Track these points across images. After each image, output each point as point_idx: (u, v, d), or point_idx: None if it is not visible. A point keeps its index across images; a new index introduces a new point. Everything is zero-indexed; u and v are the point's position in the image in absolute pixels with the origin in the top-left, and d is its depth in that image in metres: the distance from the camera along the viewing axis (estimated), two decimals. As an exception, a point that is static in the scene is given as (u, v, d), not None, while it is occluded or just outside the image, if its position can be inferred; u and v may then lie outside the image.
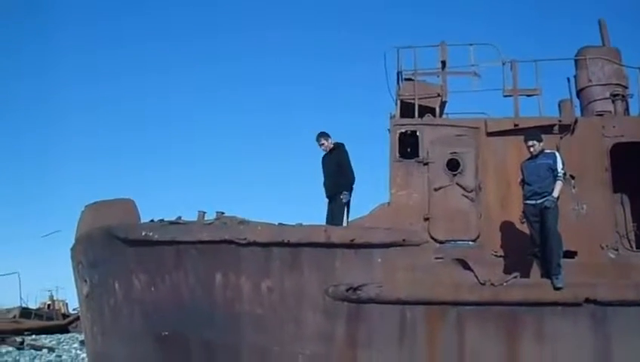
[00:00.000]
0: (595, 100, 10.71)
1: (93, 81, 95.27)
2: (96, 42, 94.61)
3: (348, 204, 10.25)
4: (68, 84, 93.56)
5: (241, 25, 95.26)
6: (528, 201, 8.85)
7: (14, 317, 36.78)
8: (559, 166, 8.75)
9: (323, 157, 10.61)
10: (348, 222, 10.19)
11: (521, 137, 9.32)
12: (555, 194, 8.66)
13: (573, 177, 9.39)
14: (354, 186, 10.39)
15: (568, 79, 11.03)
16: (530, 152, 9.00)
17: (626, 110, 10.63)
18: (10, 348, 18.61)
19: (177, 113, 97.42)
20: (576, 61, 11.01)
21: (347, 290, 8.90)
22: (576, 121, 9.77)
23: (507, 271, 9.09)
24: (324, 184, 10.49)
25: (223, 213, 9.89)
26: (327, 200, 10.46)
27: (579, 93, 11.01)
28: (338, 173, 10.27)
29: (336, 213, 10.21)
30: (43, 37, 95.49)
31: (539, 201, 8.72)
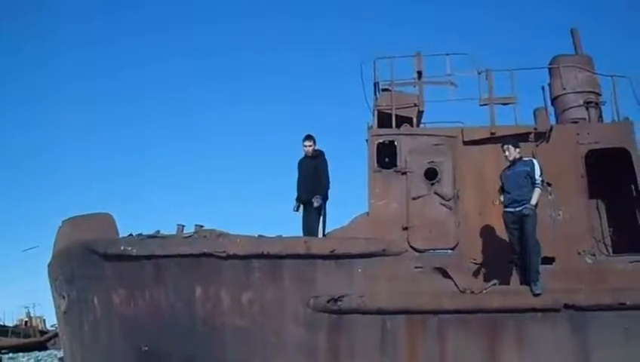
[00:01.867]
0: (570, 108, 10.82)
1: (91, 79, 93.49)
2: (92, 39, 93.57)
3: (320, 208, 10.26)
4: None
5: (239, 17, 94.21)
6: (507, 209, 8.93)
7: (-9, 334, 36.25)
8: (537, 173, 8.83)
9: (301, 160, 10.62)
10: (325, 230, 10.23)
11: (498, 145, 9.42)
12: (533, 201, 8.74)
13: (549, 184, 9.50)
14: (329, 195, 10.43)
15: (543, 88, 11.17)
16: (505, 157, 9.09)
17: (600, 117, 10.79)
18: (-13, 367, 18.30)
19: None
20: (550, 70, 11.14)
21: (328, 301, 8.90)
22: (551, 129, 9.90)
23: (486, 278, 9.17)
24: (298, 187, 10.52)
25: (201, 226, 9.83)
26: (295, 203, 10.46)
27: (553, 101, 11.14)
28: (314, 180, 10.28)
29: (311, 219, 10.24)
30: (40, 34, 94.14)
31: (517, 209, 8.80)
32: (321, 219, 10.33)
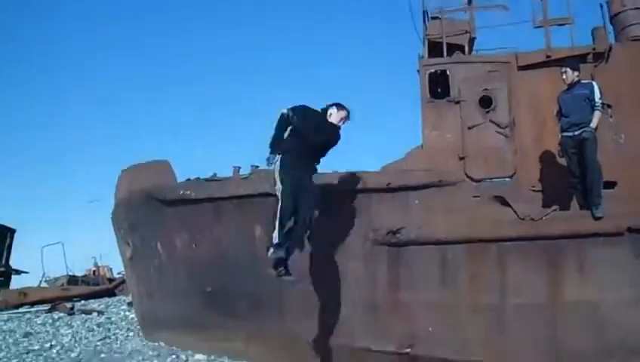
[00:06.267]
0: (630, 25, 10.34)
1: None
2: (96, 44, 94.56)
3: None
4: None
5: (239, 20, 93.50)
6: (566, 133, 8.68)
7: (62, 284, 37.81)
8: (597, 96, 8.52)
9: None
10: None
11: (554, 69, 9.12)
12: (594, 124, 8.48)
13: (610, 106, 9.18)
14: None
15: (601, 5, 10.64)
16: (563, 80, 8.81)
17: (663, 33, 10.30)
18: (62, 314, 19.13)
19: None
20: (608, -15, 10.64)
21: (387, 234, 8.92)
22: (610, 48, 9.51)
23: (546, 205, 9.00)
24: None
25: (257, 166, 9.91)
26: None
27: (612, 19, 10.65)
28: None
29: None
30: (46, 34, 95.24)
31: (577, 133, 8.55)
32: None
